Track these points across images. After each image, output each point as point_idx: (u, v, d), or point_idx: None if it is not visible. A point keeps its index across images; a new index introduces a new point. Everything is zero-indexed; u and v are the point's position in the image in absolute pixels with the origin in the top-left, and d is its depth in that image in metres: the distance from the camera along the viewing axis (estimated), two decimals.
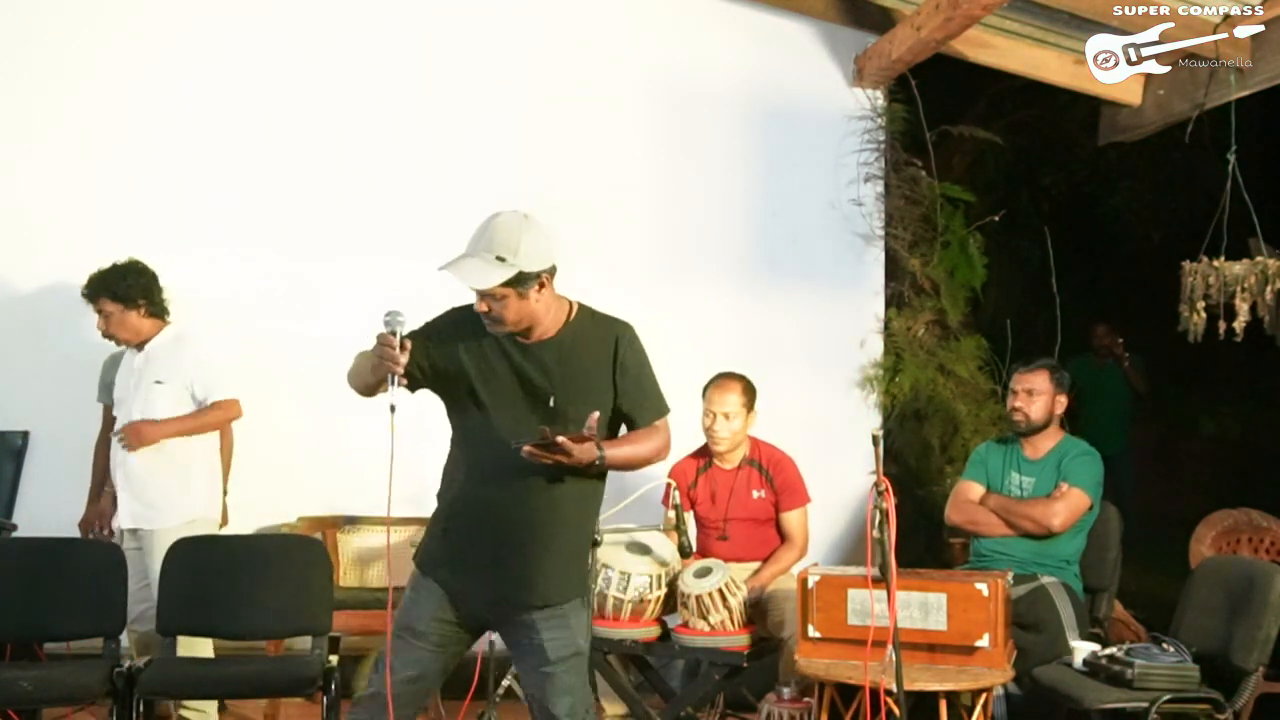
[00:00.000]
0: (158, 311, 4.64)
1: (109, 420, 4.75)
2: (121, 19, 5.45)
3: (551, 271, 3.09)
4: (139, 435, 4.50)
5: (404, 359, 2.95)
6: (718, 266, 5.82)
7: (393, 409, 2.94)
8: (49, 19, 5.44)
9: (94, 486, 4.82)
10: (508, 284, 2.99)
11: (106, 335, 4.63)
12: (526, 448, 2.92)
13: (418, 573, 3.19)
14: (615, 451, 3.09)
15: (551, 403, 3.04)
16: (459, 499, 3.14)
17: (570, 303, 3.19)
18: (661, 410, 3.22)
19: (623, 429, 3.20)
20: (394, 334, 2.96)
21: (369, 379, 3.07)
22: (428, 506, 5.49)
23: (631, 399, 3.15)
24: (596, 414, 2.99)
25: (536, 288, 3.04)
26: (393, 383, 2.96)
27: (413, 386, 3.13)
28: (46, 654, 4.61)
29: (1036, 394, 4.61)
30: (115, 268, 4.60)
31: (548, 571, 3.10)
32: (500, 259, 2.97)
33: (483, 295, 3.02)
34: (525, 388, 3.07)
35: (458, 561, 3.12)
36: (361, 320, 5.01)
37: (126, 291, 4.57)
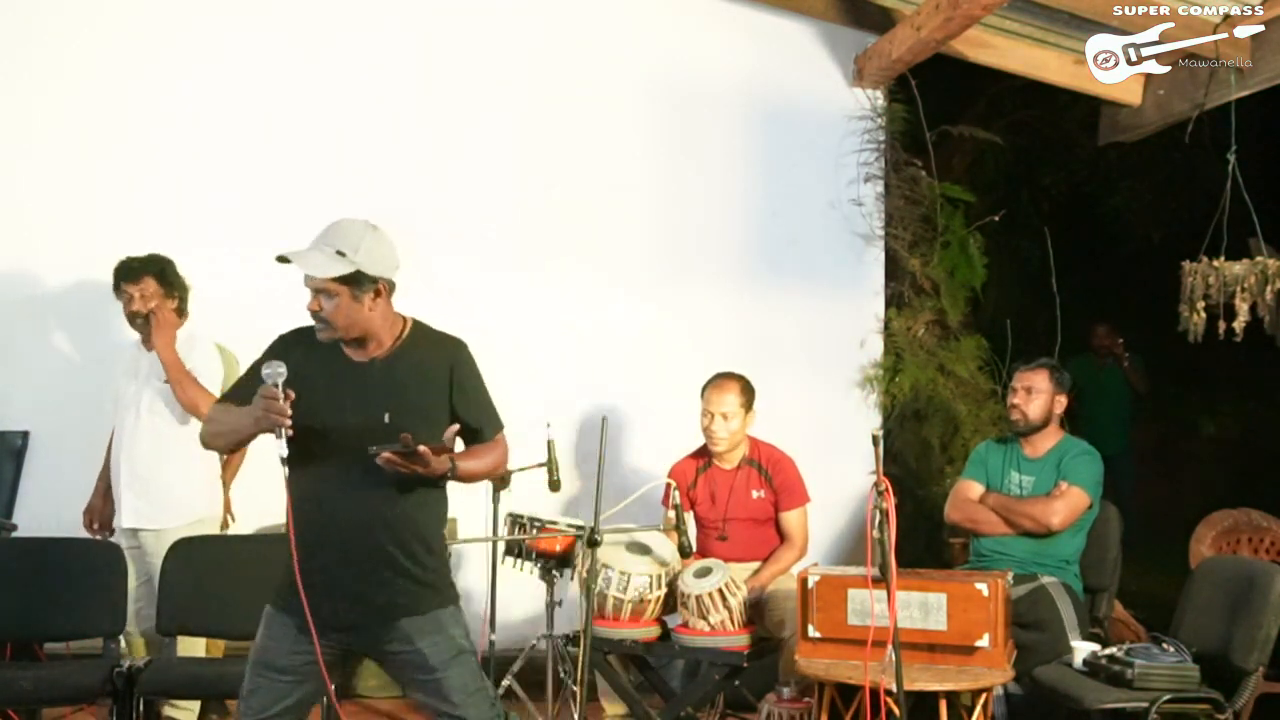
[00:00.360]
0: (183, 309, 4.67)
1: None
2: (121, 19, 5.45)
3: (390, 285, 3.09)
4: (160, 324, 4.52)
5: (288, 409, 2.90)
6: (718, 266, 5.83)
7: (284, 461, 2.90)
8: (49, 19, 5.45)
9: (99, 481, 4.83)
10: (343, 281, 3.00)
11: (136, 316, 4.58)
12: (385, 454, 2.90)
13: (270, 609, 3.10)
14: (465, 464, 3.08)
15: (387, 419, 3.01)
16: (309, 526, 3.03)
17: (404, 319, 3.18)
18: (499, 425, 3.24)
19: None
20: (276, 386, 2.91)
21: (244, 434, 3.04)
22: None
23: (475, 416, 3.16)
24: (455, 427, 3.02)
25: (372, 294, 3.04)
26: (280, 436, 2.91)
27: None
28: (46, 654, 4.61)
29: (1035, 393, 4.62)
30: (158, 255, 4.63)
31: (408, 583, 3.06)
32: (340, 254, 2.99)
33: (316, 292, 3.02)
34: (361, 406, 3.03)
35: (317, 589, 2.99)
36: None
37: (174, 278, 4.62)
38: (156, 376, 4.54)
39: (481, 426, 3.17)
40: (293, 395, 2.91)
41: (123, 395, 4.65)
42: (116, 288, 4.62)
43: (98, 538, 4.70)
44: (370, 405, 3.03)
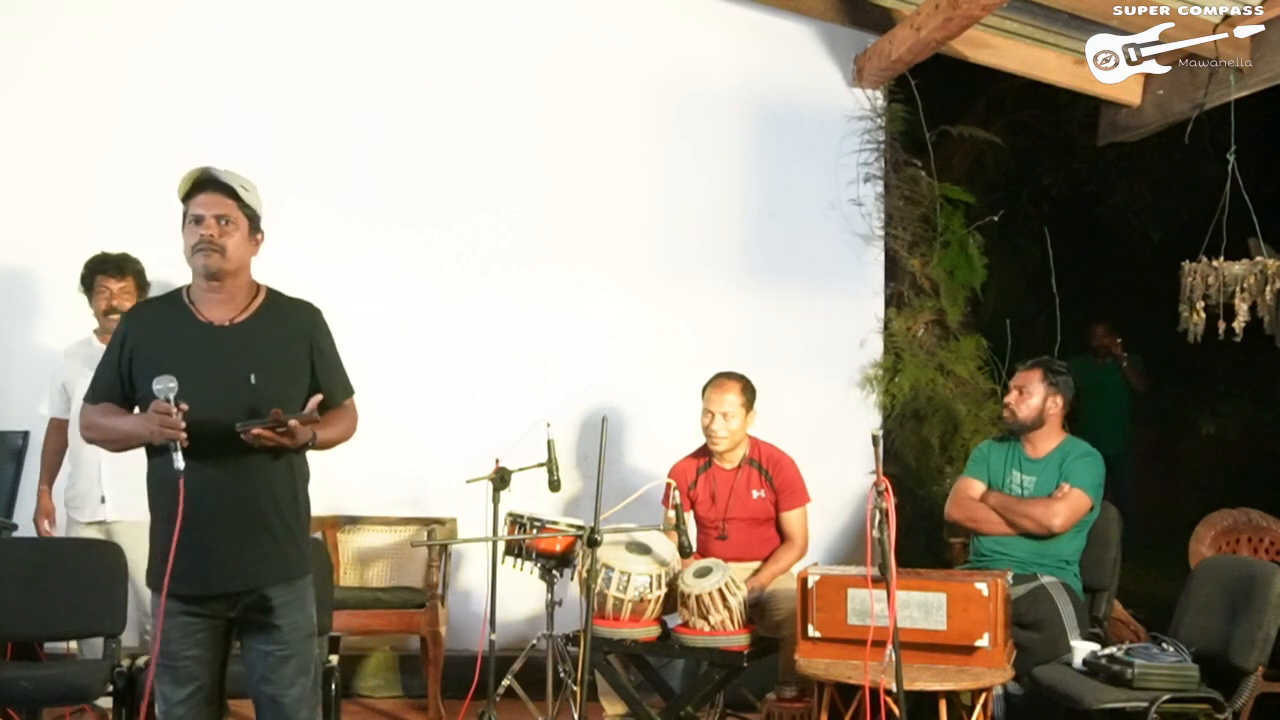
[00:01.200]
0: None
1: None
2: (120, 15, 5.47)
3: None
4: None
5: (182, 423, 2.92)
6: (718, 266, 5.83)
7: (181, 473, 2.92)
8: (49, 16, 5.45)
9: (45, 484, 4.82)
10: (247, 212, 3.10)
11: (112, 310, 4.60)
12: (255, 430, 2.93)
13: (156, 596, 3.07)
14: (324, 433, 3.12)
15: (253, 379, 3.04)
16: (166, 504, 3.03)
17: (258, 284, 3.22)
18: (350, 390, 3.30)
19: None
20: (168, 400, 2.92)
21: (133, 444, 3.05)
22: (427, 507, 5.54)
23: (329, 380, 3.20)
24: (319, 397, 3.05)
25: (258, 238, 3.16)
26: (175, 449, 2.92)
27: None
28: (46, 654, 4.61)
29: (1028, 393, 4.61)
30: (133, 256, 4.68)
31: (276, 547, 3.09)
32: (244, 189, 3.10)
33: (218, 217, 3.06)
34: (225, 367, 3.05)
35: (193, 561, 3.01)
36: (358, 321, 5.05)
37: (146, 282, 4.69)
38: None
39: (334, 391, 3.20)
40: (186, 407, 2.93)
41: (81, 389, 4.64)
42: (91, 280, 4.64)
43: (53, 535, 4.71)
44: (234, 366, 3.05)
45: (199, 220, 3.06)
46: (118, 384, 3.09)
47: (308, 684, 3.15)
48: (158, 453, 3.02)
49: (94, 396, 3.13)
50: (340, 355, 3.27)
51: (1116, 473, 5.16)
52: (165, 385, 2.91)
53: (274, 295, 3.22)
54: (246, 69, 5.55)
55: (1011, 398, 4.64)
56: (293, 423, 2.95)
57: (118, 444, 3.13)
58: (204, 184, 3.09)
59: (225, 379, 3.04)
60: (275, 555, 3.09)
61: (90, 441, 3.17)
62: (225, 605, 3.08)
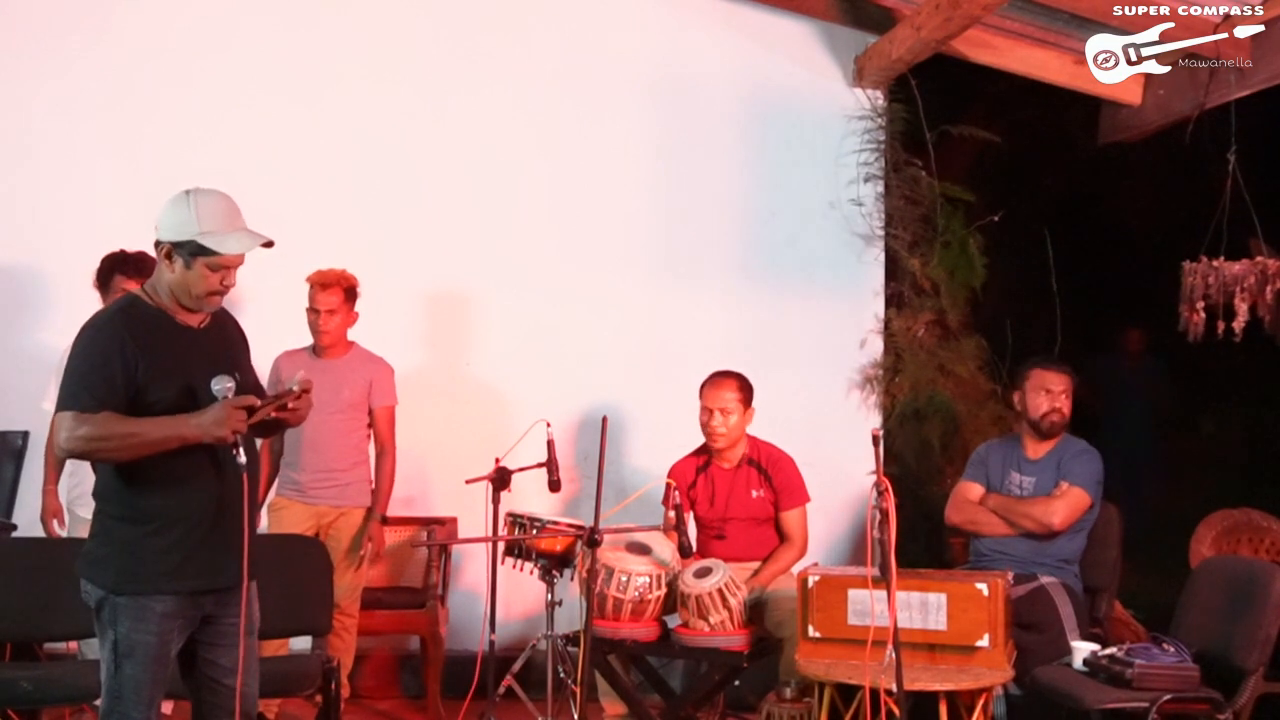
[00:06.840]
0: None
1: None
2: (124, 15, 5.47)
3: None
4: None
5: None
6: (718, 266, 5.83)
7: (245, 467, 3.02)
8: (54, 17, 5.45)
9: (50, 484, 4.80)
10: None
11: None
12: (301, 386, 3.05)
13: (129, 599, 3.01)
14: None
15: (237, 376, 3.09)
16: (183, 502, 3.04)
17: None
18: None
19: None
20: (225, 399, 3.01)
21: (167, 446, 2.96)
22: (427, 507, 5.53)
23: (251, 379, 3.30)
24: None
25: None
26: (239, 446, 3.00)
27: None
28: (46, 654, 4.60)
29: (1068, 396, 4.64)
30: (151, 256, 4.59)
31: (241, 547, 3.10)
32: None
33: (232, 268, 3.10)
34: (211, 366, 3.07)
35: (194, 560, 3.04)
36: (359, 325, 5.04)
37: None
38: None
39: (257, 389, 3.28)
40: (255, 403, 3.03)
41: None
42: (108, 278, 4.54)
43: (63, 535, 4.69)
44: (220, 363, 3.10)
45: (224, 269, 3.07)
46: (120, 391, 2.96)
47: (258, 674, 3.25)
48: (176, 454, 2.99)
49: (95, 405, 2.93)
50: None
51: (1136, 473, 5.18)
52: (224, 385, 3.00)
53: None
54: (250, 71, 5.55)
55: (1058, 401, 4.63)
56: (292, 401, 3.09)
57: (135, 451, 2.96)
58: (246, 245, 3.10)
59: (218, 374, 3.06)
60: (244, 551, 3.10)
61: (90, 454, 3.00)
62: (211, 601, 3.11)
